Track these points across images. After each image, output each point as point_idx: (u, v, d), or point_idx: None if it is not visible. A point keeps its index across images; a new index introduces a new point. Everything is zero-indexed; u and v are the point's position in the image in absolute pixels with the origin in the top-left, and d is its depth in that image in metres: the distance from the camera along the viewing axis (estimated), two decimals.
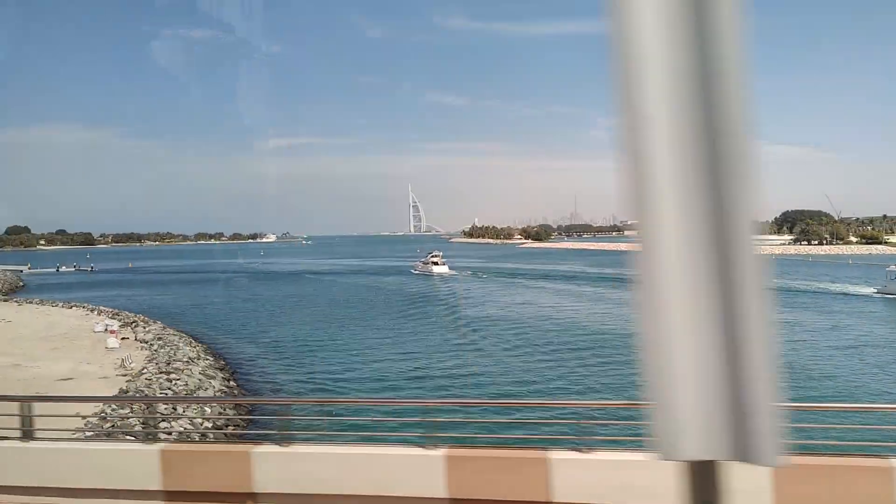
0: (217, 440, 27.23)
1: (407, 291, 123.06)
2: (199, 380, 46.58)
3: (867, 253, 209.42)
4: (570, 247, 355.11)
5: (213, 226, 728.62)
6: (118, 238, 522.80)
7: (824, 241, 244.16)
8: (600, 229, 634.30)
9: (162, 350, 54.81)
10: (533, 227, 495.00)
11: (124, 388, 42.19)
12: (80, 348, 57.82)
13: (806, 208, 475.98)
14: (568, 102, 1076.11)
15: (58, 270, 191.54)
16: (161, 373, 45.55)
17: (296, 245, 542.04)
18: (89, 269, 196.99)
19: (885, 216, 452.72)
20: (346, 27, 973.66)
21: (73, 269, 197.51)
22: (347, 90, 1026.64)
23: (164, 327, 68.20)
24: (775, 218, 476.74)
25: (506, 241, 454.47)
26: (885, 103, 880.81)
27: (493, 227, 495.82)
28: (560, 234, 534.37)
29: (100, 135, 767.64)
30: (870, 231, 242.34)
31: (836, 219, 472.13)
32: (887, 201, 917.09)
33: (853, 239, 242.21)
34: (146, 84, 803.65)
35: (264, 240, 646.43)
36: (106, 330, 66.57)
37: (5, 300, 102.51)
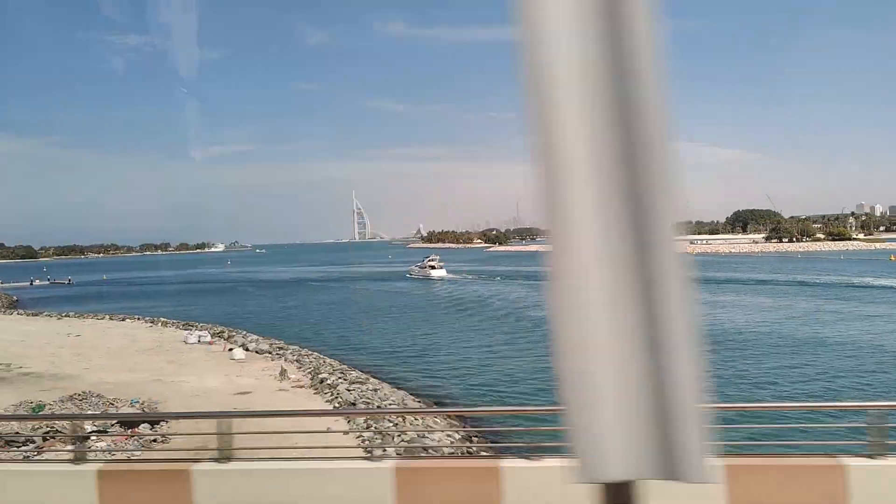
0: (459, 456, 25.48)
1: (436, 295, 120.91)
2: (375, 390, 42.88)
3: (845, 249, 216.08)
4: (535, 249, 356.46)
5: (155, 236, 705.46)
6: (60, 251, 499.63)
7: (794, 239, 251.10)
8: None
9: (306, 360, 50.88)
10: (492, 231, 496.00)
11: (331, 400, 38.43)
12: (198, 360, 53.37)
13: (748, 208, 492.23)
14: (507, 108, 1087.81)
15: (31, 284, 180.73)
16: (352, 382, 41.82)
17: (251, 254, 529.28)
18: (67, 281, 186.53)
19: (824, 216, 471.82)
20: (285, 34, 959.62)
21: (48, 283, 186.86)
22: (286, 97, 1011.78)
23: (261, 338, 63.49)
24: (727, 217, 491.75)
25: (467, 245, 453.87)
26: (809, 111, 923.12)
27: (453, 231, 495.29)
28: (517, 238, 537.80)
29: (28, 144, 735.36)
30: (837, 228, 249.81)
31: (785, 218, 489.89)
32: (814, 201, 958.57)
33: (820, 236, 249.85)
34: (78, 93, 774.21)
35: (212, 249, 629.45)
36: (199, 341, 62.41)
37: (29, 314, 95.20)
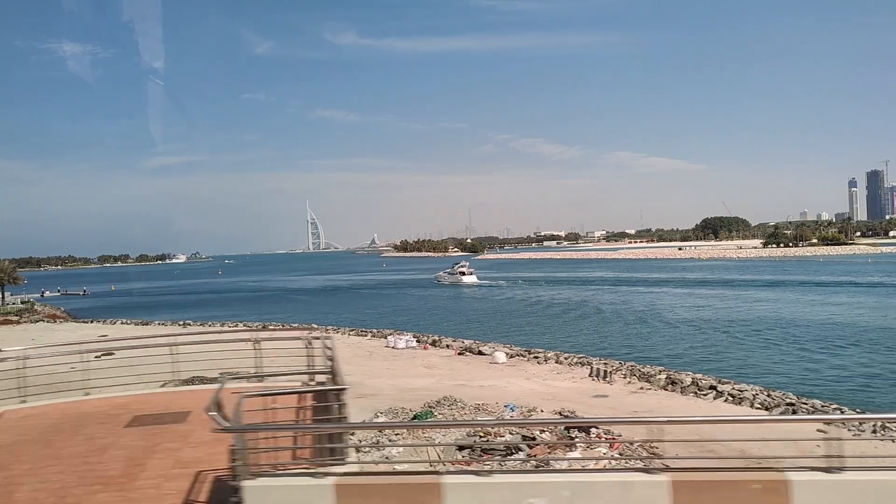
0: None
1: (510, 299, 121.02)
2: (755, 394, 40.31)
3: (851, 253, 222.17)
4: (518, 257, 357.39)
5: (109, 248, 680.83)
6: (16, 263, 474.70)
7: (790, 245, 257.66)
8: (519, 241, 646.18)
9: (572, 362, 48.61)
10: (466, 241, 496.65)
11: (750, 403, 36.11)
12: (455, 365, 50.30)
13: (715, 216, 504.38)
14: (457, 119, 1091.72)
15: (42, 296, 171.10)
16: (705, 388, 39.66)
17: (219, 265, 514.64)
18: (81, 292, 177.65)
19: (791, 222, 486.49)
20: (232, 43, 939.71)
21: (59, 294, 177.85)
22: (234, 107, 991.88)
23: (475, 342, 60.69)
24: (696, 225, 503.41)
25: (443, 254, 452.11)
26: (748, 123, 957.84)
27: (429, 240, 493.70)
28: (490, 246, 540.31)
29: None
30: (831, 233, 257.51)
31: (752, 225, 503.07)
32: (756, 209, 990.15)
33: (814, 241, 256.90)
34: (12, 101, 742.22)
35: (174, 260, 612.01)
36: (407, 346, 59.97)
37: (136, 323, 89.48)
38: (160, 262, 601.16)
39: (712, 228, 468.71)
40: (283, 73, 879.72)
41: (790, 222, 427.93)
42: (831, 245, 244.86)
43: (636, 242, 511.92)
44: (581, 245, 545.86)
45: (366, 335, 68.41)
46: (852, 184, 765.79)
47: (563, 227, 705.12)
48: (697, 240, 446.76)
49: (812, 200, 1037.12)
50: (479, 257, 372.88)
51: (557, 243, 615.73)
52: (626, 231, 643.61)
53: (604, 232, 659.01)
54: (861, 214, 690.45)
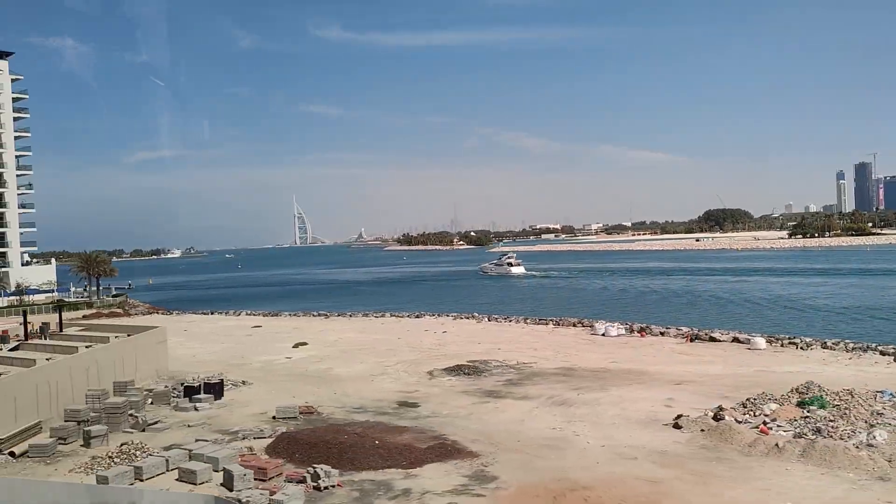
0: None
1: (585, 289, 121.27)
2: None
3: (888, 242, 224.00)
4: (539, 250, 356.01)
5: (96, 243, 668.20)
6: None
7: (815, 235, 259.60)
8: (514, 235, 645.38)
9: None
10: (473, 234, 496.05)
11: None
12: (719, 353, 48.82)
13: (715, 208, 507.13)
14: (441, 113, 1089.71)
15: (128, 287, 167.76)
16: None
17: (221, 259, 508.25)
18: (128, 285, 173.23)
19: (795, 214, 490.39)
20: (214, 37, 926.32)
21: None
22: (217, 101, 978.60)
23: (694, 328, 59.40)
24: (699, 216, 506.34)
25: (450, 247, 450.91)
26: (731, 117, 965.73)
27: (434, 233, 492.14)
28: (496, 239, 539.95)
29: None
30: (855, 224, 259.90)
31: (756, 216, 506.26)
32: (741, 201, 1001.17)
33: (838, 231, 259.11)
34: None
35: (170, 255, 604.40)
36: (618, 333, 58.31)
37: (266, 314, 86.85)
38: (155, 257, 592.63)
39: (715, 220, 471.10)
40: (267, 67, 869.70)
41: (814, 213, 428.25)
42: (857, 236, 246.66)
43: (637, 235, 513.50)
44: (582, 238, 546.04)
45: (547, 324, 66.85)
46: (840, 176, 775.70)
47: (550, 221, 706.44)
48: (702, 231, 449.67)
49: (798, 192, 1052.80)
50: (493, 250, 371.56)
51: (556, 236, 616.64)
52: (623, 224, 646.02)
53: (600, 225, 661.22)
54: (849, 206, 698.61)
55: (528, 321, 69.90)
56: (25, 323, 49.74)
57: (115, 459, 27.26)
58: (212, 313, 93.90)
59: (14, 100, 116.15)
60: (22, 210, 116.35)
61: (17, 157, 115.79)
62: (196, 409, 37.58)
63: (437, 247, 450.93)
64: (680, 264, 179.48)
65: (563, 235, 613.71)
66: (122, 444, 28.60)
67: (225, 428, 32.62)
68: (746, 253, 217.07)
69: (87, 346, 42.66)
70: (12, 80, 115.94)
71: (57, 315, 55.63)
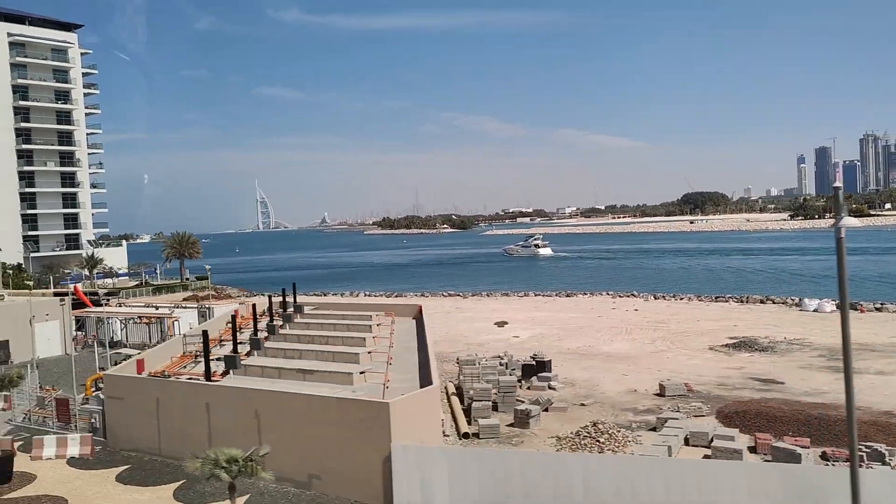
0: None
1: (626, 268, 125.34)
2: None
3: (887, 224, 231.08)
4: (515, 233, 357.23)
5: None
6: None
7: (815, 217, 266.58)
8: (488, 219, 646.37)
9: None
10: (458, 218, 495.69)
11: None
12: None
13: (696, 191, 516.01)
14: (402, 96, 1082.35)
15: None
16: None
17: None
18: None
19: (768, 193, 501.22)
20: (170, 18, 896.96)
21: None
22: (172, 83, 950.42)
23: None
24: (677, 199, 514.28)
25: (437, 231, 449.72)
26: (689, 102, 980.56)
27: (417, 217, 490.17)
28: (482, 223, 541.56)
29: None
30: (856, 206, 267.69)
31: (731, 199, 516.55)
32: (703, 184, 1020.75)
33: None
34: None
35: (139, 241, 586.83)
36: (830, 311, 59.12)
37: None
38: (125, 241, 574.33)
39: (694, 203, 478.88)
40: (224, 49, 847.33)
41: (817, 196, 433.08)
42: (859, 217, 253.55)
43: (616, 218, 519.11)
44: (561, 222, 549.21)
45: (727, 301, 67.52)
46: (801, 160, 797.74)
47: (512, 205, 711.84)
48: (682, 214, 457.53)
49: (758, 177, 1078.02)
50: (488, 233, 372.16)
51: (531, 220, 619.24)
52: (597, 207, 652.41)
53: (574, 209, 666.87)
54: (810, 189, 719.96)
55: (702, 299, 70.32)
56: (276, 305, 47.61)
57: (594, 439, 27.02)
58: (324, 294, 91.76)
59: (83, 75, 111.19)
60: (94, 190, 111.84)
61: (87, 134, 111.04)
62: (551, 387, 36.95)
63: (423, 230, 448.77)
64: (713, 245, 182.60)
65: (539, 219, 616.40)
66: (584, 427, 28.05)
67: (619, 404, 32.76)
68: (765, 234, 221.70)
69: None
70: (81, 55, 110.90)
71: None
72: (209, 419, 26.87)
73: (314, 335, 39.65)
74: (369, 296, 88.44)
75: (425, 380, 26.72)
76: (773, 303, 64.34)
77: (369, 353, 34.99)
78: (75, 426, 31.90)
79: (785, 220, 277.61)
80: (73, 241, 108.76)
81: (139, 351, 50.89)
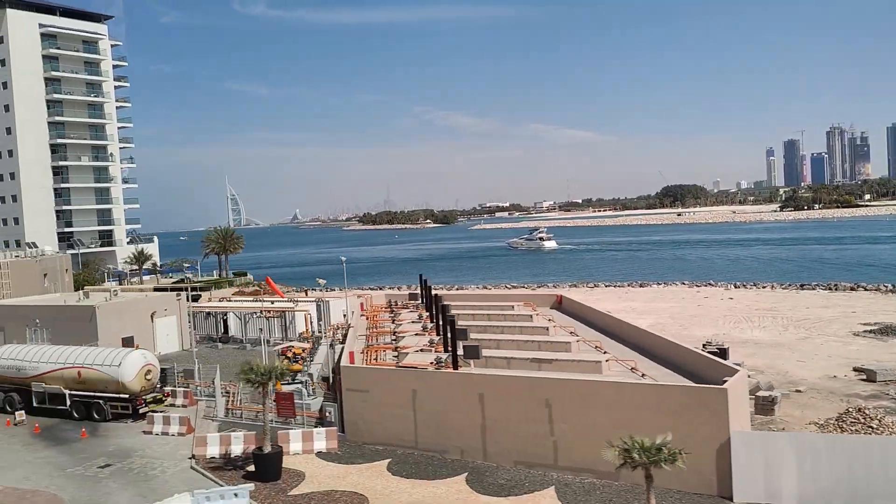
0: None
1: (642, 259, 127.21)
2: None
3: (890, 213, 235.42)
4: (505, 227, 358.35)
5: None
6: None
7: (805, 207, 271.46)
8: (470, 213, 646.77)
9: None
10: (441, 212, 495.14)
11: None
12: None
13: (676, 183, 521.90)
14: (373, 90, 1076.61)
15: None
16: None
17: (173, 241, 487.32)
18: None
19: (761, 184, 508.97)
20: (135, 11, 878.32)
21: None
22: (138, 78, 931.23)
23: None
24: (657, 192, 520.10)
25: (421, 226, 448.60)
26: (657, 96, 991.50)
27: (402, 212, 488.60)
28: (464, 218, 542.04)
29: None
30: (844, 197, 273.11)
31: (712, 191, 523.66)
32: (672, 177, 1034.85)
33: (827, 204, 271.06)
34: None
35: None
36: None
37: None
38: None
39: (674, 196, 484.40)
40: (191, 44, 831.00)
41: (809, 186, 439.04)
42: (845, 207, 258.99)
43: (597, 211, 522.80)
44: (540, 215, 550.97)
45: (792, 289, 67.96)
46: (770, 153, 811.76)
47: (484, 199, 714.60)
48: (662, 206, 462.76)
49: (726, 169, 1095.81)
50: (476, 227, 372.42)
51: (509, 214, 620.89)
52: (574, 201, 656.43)
53: (552, 202, 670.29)
54: (779, 181, 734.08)
55: (785, 287, 71.12)
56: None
57: (865, 425, 26.89)
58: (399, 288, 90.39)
59: (114, 67, 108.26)
60: (125, 185, 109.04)
61: (118, 128, 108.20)
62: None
63: (406, 226, 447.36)
64: (722, 235, 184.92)
65: (517, 213, 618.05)
66: (845, 413, 27.81)
67: (838, 391, 32.87)
68: (763, 225, 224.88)
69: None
70: (111, 46, 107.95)
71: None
72: (483, 409, 26.15)
73: (494, 325, 39.11)
74: (462, 289, 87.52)
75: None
76: (865, 290, 64.99)
77: (578, 341, 34.56)
78: (302, 420, 30.93)
79: (775, 211, 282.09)
80: (106, 238, 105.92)
81: (252, 345, 49.66)
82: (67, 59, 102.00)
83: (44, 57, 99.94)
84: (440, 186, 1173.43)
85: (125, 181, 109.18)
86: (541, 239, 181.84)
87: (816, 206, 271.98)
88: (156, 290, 60.08)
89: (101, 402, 34.45)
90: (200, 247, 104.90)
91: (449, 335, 29.57)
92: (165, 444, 30.66)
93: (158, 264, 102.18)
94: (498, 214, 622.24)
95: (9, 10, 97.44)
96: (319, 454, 28.10)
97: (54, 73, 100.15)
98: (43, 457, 29.78)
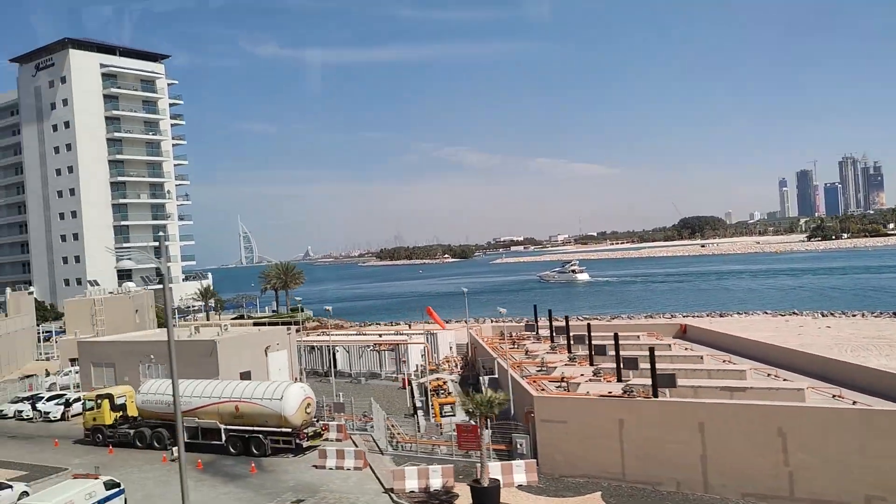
0: None
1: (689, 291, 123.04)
2: None
3: None
4: (527, 260, 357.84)
5: None
6: None
7: (833, 237, 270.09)
8: (486, 248, 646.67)
9: None
10: (459, 247, 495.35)
11: None
12: None
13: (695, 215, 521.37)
14: (381, 128, 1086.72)
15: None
16: None
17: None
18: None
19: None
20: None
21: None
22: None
23: None
24: (674, 224, 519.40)
25: (441, 260, 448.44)
26: (664, 129, 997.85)
27: (418, 247, 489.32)
28: (482, 252, 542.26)
29: None
30: (871, 226, 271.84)
31: (728, 223, 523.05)
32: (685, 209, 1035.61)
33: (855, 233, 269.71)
34: None
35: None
36: None
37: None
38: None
39: (692, 227, 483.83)
40: (200, 83, 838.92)
41: (835, 216, 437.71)
42: (875, 236, 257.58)
43: (614, 244, 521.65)
44: (556, 249, 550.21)
45: (885, 317, 67.13)
46: (783, 183, 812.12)
47: (494, 234, 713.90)
48: (681, 238, 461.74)
49: (738, 200, 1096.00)
50: (498, 261, 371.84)
51: (525, 248, 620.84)
52: (589, 234, 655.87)
53: (567, 236, 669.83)
54: (792, 212, 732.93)
55: (877, 315, 69.89)
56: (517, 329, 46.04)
57: None
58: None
59: (170, 105, 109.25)
60: (181, 222, 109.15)
61: (174, 165, 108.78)
62: None
63: (425, 260, 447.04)
64: (760, 266, 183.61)
65: (533, 248, 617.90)
66: None
67: None
68: (795, 255, 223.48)
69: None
70: (168, 85, 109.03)
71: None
72: (703, 439, 25.23)
73: (643, 355, 38.22)
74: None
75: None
76: None
77: (750, 368, 33.73)
78: (489, 452, 29.95)
79: (803, 241, 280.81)
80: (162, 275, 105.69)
81: (365, 379, 48.91)
82: (127, 98, 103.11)
83: (104, 96, 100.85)
84: (449, 222, 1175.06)
85: (180, 218, 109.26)
86: (573, 271, 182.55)
87: (845, 235, 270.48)
88: (256, 324, 59.41)
89: (260, 436, 33.60)
90: (259, 282, 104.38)
91: (620, 364, 28.99)
92: (346, 478, 29.75)
93: (222, 300, 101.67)
94: (513, 248, 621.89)
95: (71, 51, 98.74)
96: (520, 487, 27.15)
97: (114, 112, 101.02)
98: (226, 492, 28.93)
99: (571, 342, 41.20)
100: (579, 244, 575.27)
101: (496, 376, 39.69)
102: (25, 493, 28.67)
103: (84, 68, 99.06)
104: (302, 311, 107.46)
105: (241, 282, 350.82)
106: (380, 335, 54.31)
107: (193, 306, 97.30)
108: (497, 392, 27.05)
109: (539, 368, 37.66)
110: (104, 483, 25.79)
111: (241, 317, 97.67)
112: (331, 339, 52.08)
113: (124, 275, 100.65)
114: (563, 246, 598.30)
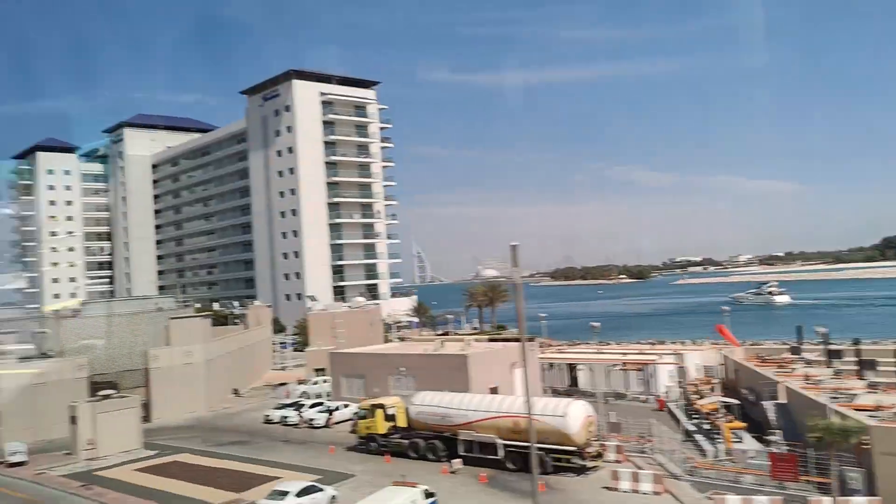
0: None
1: None
2: None
3: None
4: (711, 282, 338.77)
5: None
6: None
7: None
8: (660, 269, 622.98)
9: None
10: (636, 267, 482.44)
11: None
12: None
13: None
14: (548, 149, 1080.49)
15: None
16: None
17: None
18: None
19: None
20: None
21: None
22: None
23: None
24: (875, 244, 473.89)
25: (616, 281, 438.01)
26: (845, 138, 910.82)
27: (593, 266, 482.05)
28: (659, 273, 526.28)
29: None
30: None
31: None
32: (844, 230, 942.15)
33: None
34: None
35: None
36: None
37: None
38: None
39: (895, 246, 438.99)
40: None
41: None
42: None
43: (805, 265, 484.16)
44: (740, 269, 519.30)
45: None
46: None
47: (667, 254, 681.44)
48: (884, 259, 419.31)
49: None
50: (680, 282, 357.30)
51: (704, 269, 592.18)
52: (775, 254, 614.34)
53: (749, 256, 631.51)
54: None
55: None
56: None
57: None
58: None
59: (380, 129, 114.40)
60: (389, 241, 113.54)
61: (384, 186, 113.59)
62: None
63: (601, 281, 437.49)
64: None
65: (712, 268, 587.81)
66: None
67: None
68: None
69: None
70: (378, 110, 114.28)
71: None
72: None
73: None
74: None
75: None
76: None
77: None
78: (811, 484, 27.50)
79: None
80: (372, 292, 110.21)
81: (614, 399, 47.33)
82: (342, 124, 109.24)
83: (323, 122, 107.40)
84: (619, 241, 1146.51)
85: (388, 237, 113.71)
86: (770, 293, 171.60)
87: None
88: (491, 340, 59.93)
89: (542, 453, 33.03)
90: (463, 299, 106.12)
91: None
92: (644, 503, 28.42)
93: (433, 316, 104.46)
94: (690, 269, 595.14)
95: (295, 81, 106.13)
96: None
97: (331, 137, 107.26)
98: None
99: (861, 367, 37.41)
100: (765, 265, 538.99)
101: (783, 402, 36.72)
102: (334, 498, 29.92)
103: (305, 98, 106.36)
104: (505, 328, 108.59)
105: (423, 300, 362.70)
106: (623, 353, 52.61)
107: (403, 322, 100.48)
108: (844, 420, 24.58)
109: (834, 396, 34.35)
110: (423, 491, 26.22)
111: (446, 333, 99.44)
112: (569, 356, 51.14)
113: (338, 291, 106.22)
114: (745, 266, 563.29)
